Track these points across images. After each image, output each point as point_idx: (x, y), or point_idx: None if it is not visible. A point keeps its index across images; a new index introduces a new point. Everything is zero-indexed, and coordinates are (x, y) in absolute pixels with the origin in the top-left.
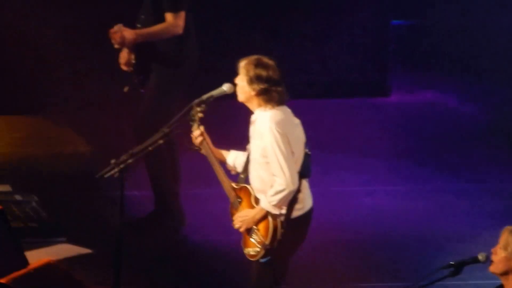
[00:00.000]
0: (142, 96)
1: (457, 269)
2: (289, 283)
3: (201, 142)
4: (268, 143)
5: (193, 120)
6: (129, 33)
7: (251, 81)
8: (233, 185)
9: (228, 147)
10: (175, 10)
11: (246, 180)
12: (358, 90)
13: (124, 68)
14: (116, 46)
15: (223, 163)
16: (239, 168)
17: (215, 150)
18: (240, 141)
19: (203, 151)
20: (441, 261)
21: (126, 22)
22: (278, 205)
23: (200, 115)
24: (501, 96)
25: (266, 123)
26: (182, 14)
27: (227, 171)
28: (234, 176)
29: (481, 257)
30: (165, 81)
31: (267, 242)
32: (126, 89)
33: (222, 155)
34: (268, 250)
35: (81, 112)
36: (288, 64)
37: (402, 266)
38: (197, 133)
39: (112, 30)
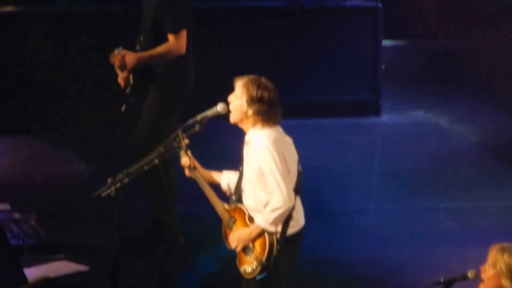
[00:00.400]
0: (140, 114)
1: (447, 286)
2: None
3: (190, 169)
4: (264, 161)
5: (179, 147)
6: (130, 57)
7: (252, 101)
8: (226, 206)
9: (222, 167)
10: (176, 30)
11: (238, 201)
12: (350, 110)
13: (123, 87)
14: (117, 70)
15: (216, 185)
16: (233, 189)
17: (206, 172)
18: (231, 160)
19: (192, 175)
20: (431, 278)
21: (123, 42)
22: (275, 222)
23: (186, 141)
24: (490, 115)
25: (263, 142)
26: (184, 34)
27: (220, 193)
28: (225, 197)
29: (470, 274)
30: (161, 102)
31: (264, 258)
32: (123, 108)
33: (213, 177)
34: (265, 266)
35: (79, 132)
36: (280, 84)
37: (392, 283)
38: (184, 159)
39: (112, 54)
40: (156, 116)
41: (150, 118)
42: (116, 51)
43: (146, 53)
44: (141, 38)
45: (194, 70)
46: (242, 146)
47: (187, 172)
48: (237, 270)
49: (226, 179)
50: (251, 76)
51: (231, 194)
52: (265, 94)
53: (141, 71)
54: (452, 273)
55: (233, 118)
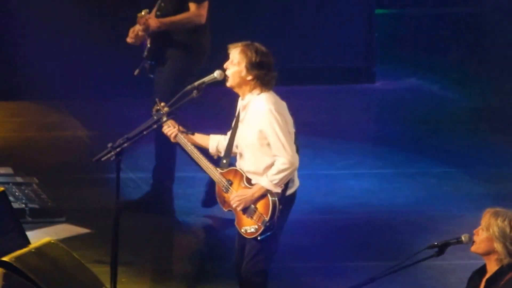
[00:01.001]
0: (153, 80)
1: (441, 249)
2: (279, 262)
3: (175, 135)
4: (268, 124)
5: (160, 115)
6: (153, 21)
7: (252, 66)
8: (219, 170)
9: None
10: (199, 0)
11: (230, 165)
12: (345, 76)
13: (129, 40)
14: (140, 32)
15: (203, 148)
16: (223, 153)
17: (192, 137)
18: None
19: (179, 141)
20: (425, 241)
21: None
22: (279, 183)
23: (166, 109)
24: (482, 82)
25: (264, 106)
26: (206, 4)
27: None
28: (214, 161)
29: (464, 238)
30: (180, 70)
31: (267, 218)
32: (136, 72)
33: (199, 141)
34: (268, 226)
35: (80, 97)
36: (276, 51)
37: (387, 246)
38: (165, 127)
39: (140, 15)
40: (174, 83)
41: (168, 85)
42: (143, 12)
43: (168, 19)
44: (162, 4)
45: (210, 37)
46: (236, 110)
47: (172, 139)
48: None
49: (215, 142)
50: (245, 42)
51: (220, 158)
52: (264, 58)
53: (160, 36)
54: (446, 237)
55: (230, 83)
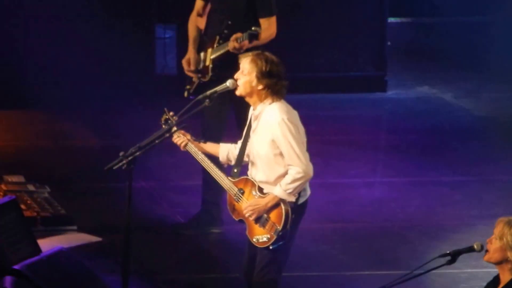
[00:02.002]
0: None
1: (453, 258)
2: (289, 271)
3: (184, 145)
4: (281, 134)
5: (169, 124)
6: (245, 46)
7: (262, 75)
8: (230, 179)
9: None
10: (271, 14)
11: (241, 174)
12: (357, 85)
13: (189, 70)
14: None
15: (214, 156)
16: (234, 162)
17: (202, 145)
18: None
19: (189, 151)
20: (437, 250)
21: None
22: (293, 192)
23: (175, 118)
24: (494, 91)
25: (277, 116)
26: (275, 19)
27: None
28: (225, 170)
29: (476, 246)
30: None
31: (280, 228)
32: (186, 94)
33: (209, 149)
34: (280, 236)
35: (92, 107)
36: (288, 60)
37: (399, 255)
38: (175, 137)
39: (240, 39)
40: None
41: None
42: (240, 39)
43: (254, 45)
44: (229, 22)
45: None
46: (248, 121)
47: (182, 148)
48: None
49: (225, 150)
50: (255, 52)
51: (230, 166)
52: (274, 67)
53: (222, 58)
54: (458, 246)
55: (240, 92)
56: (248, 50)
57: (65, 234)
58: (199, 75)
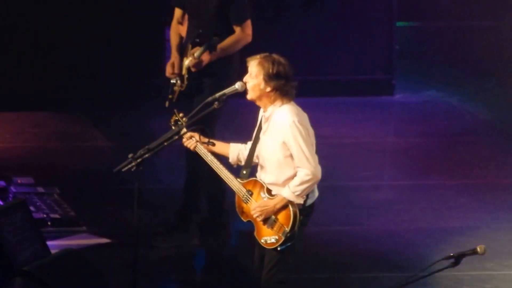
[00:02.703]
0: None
1: (457, 260)
2: (298, 272)
3: (194, 147)
4: (291, 136)
5: (179, 126)
6: (206, 56)
7: (269, 78)
8: (239, 180)
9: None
10: (242, 21)
11: (250, 176)
12: (364, 89)
13: (173, 73)
14: (192, 69)
15: (224, 156)
16: (244, 162)
17: (211, 147)
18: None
19: (199, 153)
20: (442, 253)
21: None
22: (302, 194)
23: (184, 119)
24: (500, 95)
25: (288, 118)
26: (249, 23)
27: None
28: (235, 171)
29: (479, 249)
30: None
31: (288, 229)
32: (167, 104)
33: (219, 149)
34: (288, 237)
35: (101, 109)
36: (296, 63)
37: (404, 257)
38: (186, 141)
39: (192, 51)
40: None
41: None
42: (199, 52)
43: (218, 49)
44: (200, 31)
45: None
46: (258, 122)
47: (192, 149)
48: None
49: (236, 151)
50: (262, 54)
51: (240, 166)
52: (281, 69)
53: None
54: (462, 248)
55: (251, 96)
56: (256, 52)
57: (74, 235)
58: (179, 81)
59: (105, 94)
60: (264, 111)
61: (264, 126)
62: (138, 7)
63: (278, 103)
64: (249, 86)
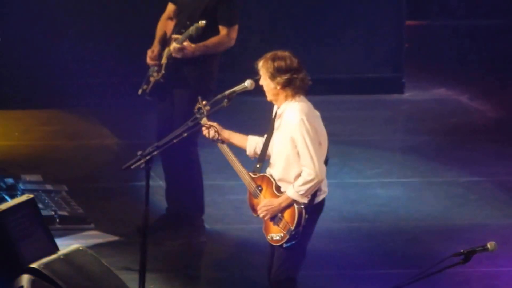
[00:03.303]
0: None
1: (467, 257)
2: (307, 269)
3: (213, 135)
4: (299, 134)
5: (201, 113)
6: (190, 47)
7: (273, 75)
8: (251, 174)
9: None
10: (230, 24)
11: (262, 170)
12: (374, 87)
13: (151, 63)
14: (175, 54)
15: (241, 148)
16: (258, 157)
17: (231, 135)
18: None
19: (216, 142)
20: (451, 249)
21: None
22: (305, 194)
23: (207, 108)
24: (509, 93)
25: (297, 116)
26: (236, 27)
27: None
28: (248, 165)
29: (490, 246)
30: (194, 92)
31: (293, 227)
32: (140, 92)
33: (237, 140)
34: (293, 235)
35: (109, 106)
36: (306, 61)
37: (413, 254)
38: (204, 130)
39: (174, 36)
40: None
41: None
42: (182, 38)
43: (202, 44)
44: (188, 22)
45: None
46: (272, 118)
47: (210, 137)
48: (264, 238)
49: (253, 144)
50: (267, 54)
51: (256, 160)
52: (281, 63)
53: (175, 59)
54: (472, 245)
55: (268, 97)
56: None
57: (83, 232)
58: (156, 68)
59: (113, 91)
60: (278, 108)
61: (276, 122)
62: (148, 5)
63: (290, 99)
64: (264, 88)
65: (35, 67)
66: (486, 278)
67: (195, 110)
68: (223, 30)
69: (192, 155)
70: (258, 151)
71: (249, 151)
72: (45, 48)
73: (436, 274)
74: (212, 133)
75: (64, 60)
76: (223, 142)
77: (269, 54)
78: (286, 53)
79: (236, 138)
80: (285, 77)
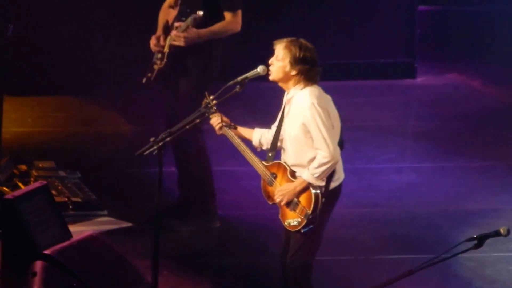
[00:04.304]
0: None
1: (480, 242)
2: (320, 255)
3: (221, 128)
4: (311, 118)
5: (208, 108)
6: (191, 31)
7: (295, 61)
8: (264, 163)
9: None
10: (234, 9)
11: (275, 158)
12: (386, 72)
13: (156, 49)
14: (176, 42)
15: (247, 140)
16: (266, 146)
17: (236, 130)
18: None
19: (224, 133)
20: (464, 234)
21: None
22: (321, 177)
23: (214, 101)
24: None
25: (308, 100)
26: (240, 12)
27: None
28: (260, 155)
29: (502, 231)
30: (198, 81)
31: (310, 211)
32: (144, 80)
33: (244, 133)
34: (311, 220)
35: (123, 92)
36: (318, 47)
37: (427, 239)
38: (213, 119)
39: (177, 24)
40: (196, 94)
41: (191, 98)
42: (184, 25)
43: (206, 30)
44: (188, 10)
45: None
46: (282, 104)
47: (217, 131)
48: (281, 224)
49: (258, 135)
50: (290, 38)
51: (262, 150)
52: (308, 54)
53: (180, 49)
54: (485, 230)
55: (273, 77)
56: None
57: (96, 219)
58: (160, 56)
59: (126, 78)
60: (287, 93)
61: (286, 108)
62: None
63: (300, 86)
64: (273, 68)
65: (49, 54)
66: (499, 263)
67: (203, 105)
68: (227, 16)
69: (199, 141)
70: (263, 142)
71: (255, 141)
72: (59, 35)
73: (449, 259)
74: (219, 124)
75: (78, 46)
76: (231, 127)
77: (294, 39)
78: (311, 45)
79: (240, 130)
80: (306, 67)
